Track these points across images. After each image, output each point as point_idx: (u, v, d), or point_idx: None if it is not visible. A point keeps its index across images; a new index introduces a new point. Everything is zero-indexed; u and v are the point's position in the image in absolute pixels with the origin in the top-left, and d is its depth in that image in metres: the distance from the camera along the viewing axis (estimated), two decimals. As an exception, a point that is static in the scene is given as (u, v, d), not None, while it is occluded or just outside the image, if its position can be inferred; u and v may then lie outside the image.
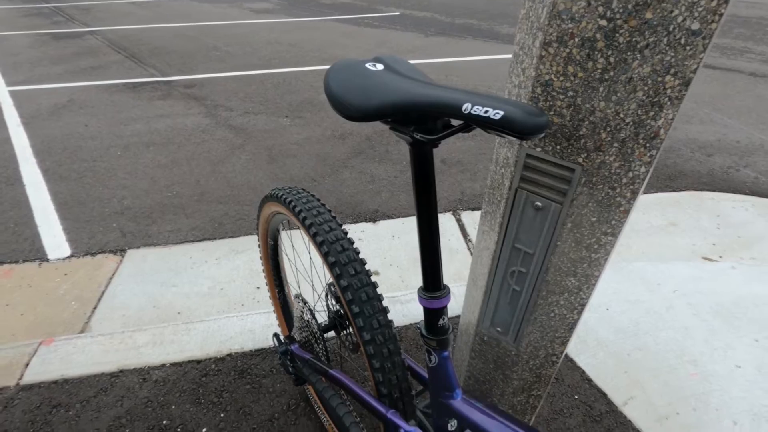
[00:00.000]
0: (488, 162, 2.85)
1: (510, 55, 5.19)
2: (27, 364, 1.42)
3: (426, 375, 0.90)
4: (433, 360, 0.67)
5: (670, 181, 2.60)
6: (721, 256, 1.93)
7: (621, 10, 0.53)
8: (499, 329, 0.93)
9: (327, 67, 4.75)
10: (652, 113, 0.58)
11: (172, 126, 3.34)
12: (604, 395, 1.35)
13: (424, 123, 0.51)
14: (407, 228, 2.20)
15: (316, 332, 1.00)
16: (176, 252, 2.03)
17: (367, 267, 0.80)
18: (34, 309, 1.70)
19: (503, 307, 0.89)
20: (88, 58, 5.11)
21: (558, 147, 0.66)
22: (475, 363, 1.06)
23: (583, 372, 1.42)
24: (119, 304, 1.73)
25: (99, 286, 1.82)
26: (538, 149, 0.68)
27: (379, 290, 0.79)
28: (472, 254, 2.01)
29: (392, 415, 0.78)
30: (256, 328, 1.58)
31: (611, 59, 0.56)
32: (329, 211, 0.87)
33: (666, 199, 2.39)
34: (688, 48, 0.53)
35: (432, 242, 0.60)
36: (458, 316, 1.62)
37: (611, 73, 0.57)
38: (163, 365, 1.44)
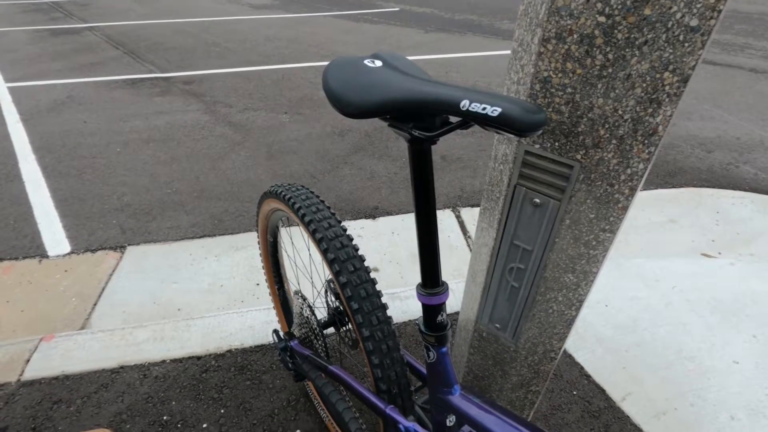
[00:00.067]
0: (488, 159, 2.85)
1: (509, 51, 5.17)
2: (28, 360, 1.43)
3: (424, 371, 0.90)
4: (432, 356, 0.68)
5: (669, 177, 2.60)
6: (720, 253, 1.93)
7: (619, 7, 0.53)
8: (497, 325, 0.94)
9: (326, 63, 4.74)
10: (650, 110, 0.58)
11: (171, 122, 3.33)
12: (603, 391, 1.35)
13: (423, 120, 0.51)
14: (407, 224, 2.20)
15: (316, 328, 1.01)
16: (176, 248, 2.03)
17: (366, 263, 0.80)
18: (34, 305, 1.70)
19: (502, 303, 0.89)
20: (86, 54, 5.09)
21: (556, 144, 0.66)
22: (474, 359, 1.06)
23: (582, 368, 1.42)
24: (119, 300, 1.73)
25: (99, 282, 1.82)
26: (537, 146, 0.68)
27: (378, 287, 0.79)
28: (471, 251, 2.02)
29: (391, 411, 0.79)
30: (256, 324, 1.58)
31: (610, 56, 0.56)
32: (328, 207, 0.88)
33: (665, 195, 2.39)
34: (686, 45, 0.53)
35: (430, 239, 0.60)
36: (457, 313, 1.62)
37: (610, 70, 0.57)
38: (164, 361, 1.45)
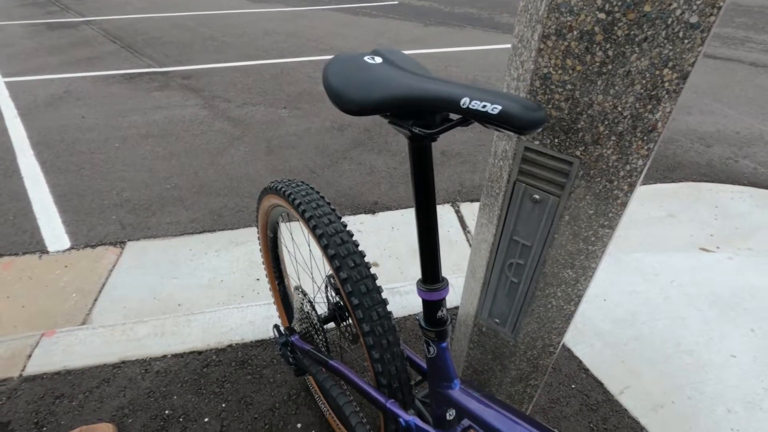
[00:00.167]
0: (487, 154, 2.85)
1: (509, 45, 5.15)
2: (29, 356, 1.44)
3: (425, 365, 0.91)
4: (432, 351, 0.68)
5: (668, 172, 2.60)
6: (718, 247, 1.94)
7: (620, 3, 0.53)
8: (497, 320, 0.94)
9: (325, 57, 4.72)
10: (649, 106, 0.58)
11: (169, 117, 3.32)
12: (601, 384, 1.36)
13: (423, 117, 0.51)
14: (406, 219, 2.20)
15: (316, 323, 1.01)
16: (176, 244, 2.03)
17: (366, 259, 0.80)
18: (35, 301, 1.71)
19: (501, 298, 0.90)
20: (83, 49, 5.06)
21: (556, 140, 0.66)
22: (474, 353, 1.07)
23: (580, 362, 1.43)
24: (120, 296, 1.74)
25: (99, 278, 1.83)
26: (537, 142, 0.69)
27: (378, 282, 0.80)
28: (470, 246, 2.02)
29: (391, 405, 0.80)
30: (257, 319, 1.59)
31: (609, 52, 0.56)
32: (328, 203, 0.88)
33: (664, 190, 2.40)
34: (686, 41, 0.53)
35: (430, 235, 0.60)
36: (457, 307, 1.63)
37: (609, 67, 0.57)
38: (165, 356, 1.45)
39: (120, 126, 3.17)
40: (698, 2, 0.50)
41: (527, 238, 0.78)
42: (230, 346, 1.49)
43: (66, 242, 2.03)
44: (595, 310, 1.61)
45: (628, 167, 0.64)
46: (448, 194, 2.40)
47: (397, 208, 2.29)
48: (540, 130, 0.65)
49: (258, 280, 1.83)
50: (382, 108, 0.51)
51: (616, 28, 0.54)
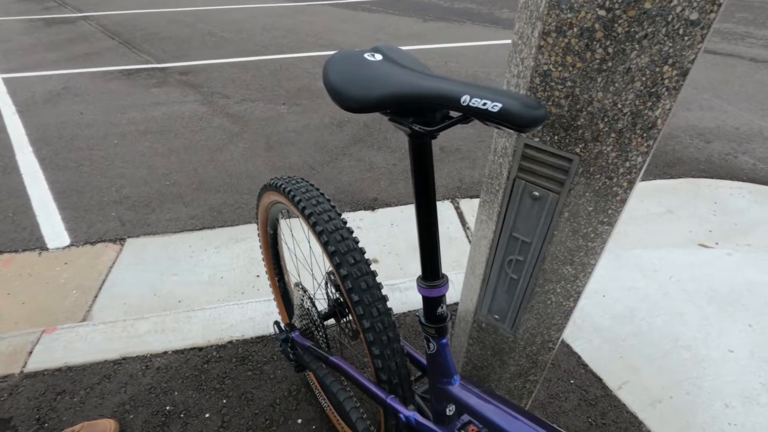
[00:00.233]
0: (487, 150, 2.84)
1: (510, 40, 5.14)
2: (30, 352, 1.44)
3: (424, 361, 0.92)
4: (432, 347, 0.69)
5: (668, 168, 2.61)
6: (717, 243, 1.95)
7: (620, 0, 0.52)
8: (496, 316, 0.95)
9: (324, 53, 4.70)
10: (649, 104, 0.58)
11: (168, 114, 3.31)
12: (600, 380, 1.37)
13: (423, 114, 0.51)
14: (406, 216, 2.20)
15: (316, 320, 1.02)
16: (176, 241, 2.04)
17: (366, 256, 0.80)
18: (35, 298, 1.71)
19: (501, 295, 0.90)
20: (81, 45, 5.04)
21: (556, 137, 0.66)
22: (473, 349, 1.07)
23: (579, 357, 1.44)
24: (120, 292, 1.74)
25: (99, 274, 1.83)
26: (536, 139, 0.69)
27: (378, 278, 0.80)
28: (470, 242, 2.03)
29: (392, 401, 0.80)
30: (257, 315, 1.59)
31: (609, 49, 0.56)
32: (328, 200, 0.88)
33: (664, 186, 2.40)
34: (686, 38, 0.53)
35: (431, 232, 0.60)
36: (456, 304, 1.63)
37: (609, 64, 0.57)
38: (165, 352, 1.46)
39: (119, 122, 3.17)
40: (698, -1, 0.50)
41: (527, 234, 0.79)
42: (230, 342, 1.50)
43: (66, 239, 2.03)
44: (594, 306, 1.61)
45: (627, 164, 0.65)
46: (447, 190, 2.40)
47: (396, 205, 2.29)
48: (540, 127, 0.65)
49: (258, 276, 1.83)
50: (383, 105, 0.51)
51: (616, 25, 0.54)
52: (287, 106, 3.44)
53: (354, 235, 0.82)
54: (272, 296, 1.68)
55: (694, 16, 0.51)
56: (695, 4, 0.50)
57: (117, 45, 5.04)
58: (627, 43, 0.55)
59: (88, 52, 4.75)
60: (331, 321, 1.03)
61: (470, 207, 2.27)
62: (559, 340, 0.96)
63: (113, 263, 1.89)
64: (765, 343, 1.46)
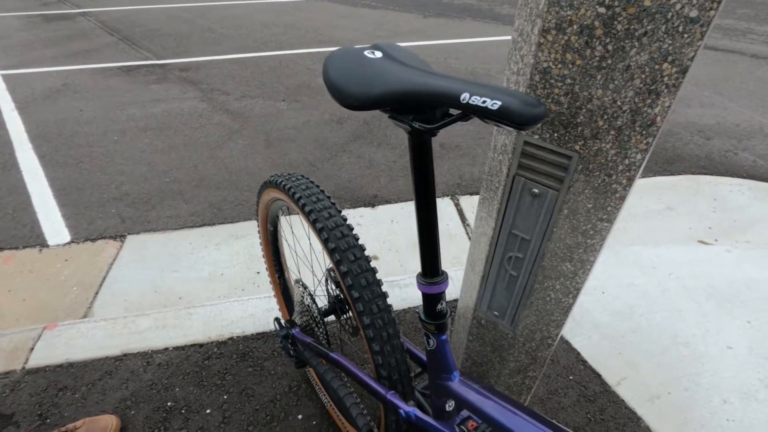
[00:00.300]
0: (487, 146, 2.84)
1: (510, 36, 5.12)
2: (32, 349, 1.45)
3: (424, 357, 0.92)
4: (432, 343, 0.69)
5: (668, 164, 2.61)
6: (716, 240, 1.95)
7: (620, -3, 0.52)
8: (496, 313, 0.95)
9: (324, 49, 4.69)
10: (649, 101, 0.58)
11: (168, 110, 3.31)
12: (598, 376, 1.38)
13: (423, 112, 0.51)
14: (406, 213, 2.21)
15: (317, 316, 1.02)
16: (176, 237, 2.04)
17: (366, 252, 0.81)
18: (36, 294, 1.72)
19: (500, 291, 0.91)
20: (80, 41, 5.02)
21: (555, 134, 0.66)
22: (473, 346, 1.08)
23: (578, 353, 1.45)
24: (120, 289, 1.75)
25: (100, 271, 1.83)
26: (536, 137, 0.69)
27: (378, 275, 0.80)
28: (470, 239, 2.03)
29: (392, 396, 0.81)
30: (257, 312, 1.60)
31: (609, 47, 0.56)
32: (329, 197, 0.88)
33: (663, 182, 2.40)
34: (686, 36, 0.53)
35: (430, 229, 0.61)
36: (456, 300, 1.64)
37: (609, 61, 0.57)
38: (166, 349, 1.47)
39: (118, 119, 3.16)
40: (698, -4, 0.50)
41: (526, 231, 0.79)
42: (231, 338, 1.50)
43: (66, 236, 2.04)
44: (594, 302, 1.62)
45: (626, 161, 0.65)
46: (447, 187, 2.40)
47: (396, 202, 2.29)
48: (539, 125, 0.65)
49: (258, 273, 1.84)
50: (382, 103, 0.51)
51: (615, 22, 0.54)
52: (287, 103, 3.44)
53: (354, 232, 0.83)
54: (272, 293, 1.68)
55: (693, 14, 0.51)
56: (695, 2, 0.50)
57: (116, 41, 5.02)
58: (626, 41, 0.55)
59: (87, 49, 4.73)
60: (332, 317, 1.04)
61: (470, 204, 2.27)
62: (558, 337, 0.97)
63: (113, 260, 1.89)
64: (763, 339, 1.47)
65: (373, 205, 2.26)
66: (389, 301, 1.57)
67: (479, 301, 0.97)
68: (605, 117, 0.61)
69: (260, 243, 1.26)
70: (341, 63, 0.55)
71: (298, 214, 0.91)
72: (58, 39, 5.09)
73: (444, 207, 2.24)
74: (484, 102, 0.44)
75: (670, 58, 0.55)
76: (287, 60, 4.38)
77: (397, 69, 0.53)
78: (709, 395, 1.31)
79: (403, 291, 1.69)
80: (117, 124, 3.08)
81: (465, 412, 0.80)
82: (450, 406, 0.76)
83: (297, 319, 1.14)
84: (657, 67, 0.56)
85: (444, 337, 0.68)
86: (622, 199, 0.69)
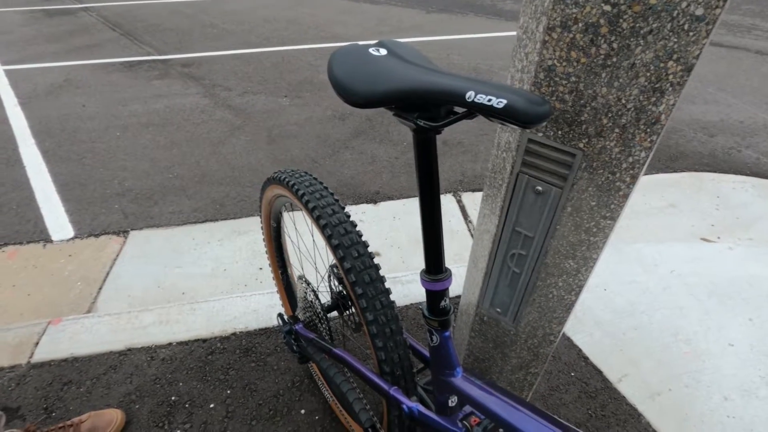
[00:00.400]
0: (489, 143, 2.84)
1: (513, 33, 5.09)
2: (37, 343, 1.46)
3: (427, 353, 0.93)
4: (435, 340, 0.70)
5: (670, 161, 2.60)
6: (719, 237, 1.95)
7: (625, -5, 0.52)
8: (498, 310, 0.96)
9: (326, 45, 4.68)
10: (653, 99, 0.58)
11: (170, 106, 3.31)
12: (600, 372, 1.38)
13: (428, 110, 0.51)
14: (408, 209, 2.21)
15: (320, 312, 1.03)
16: (179, 233, 2.05)
17: (369, 249, 0.81)
18: (40, 289, 1.73)
19: (503, 288, 0.91)
20: (82, 36, 5.02)
21: (559, 132, 0.67)
22: (475, 342, 1.09)
23: (580, 350, 1.45)
24: (124, 284, 1.76)
25: (103, 266, 1.84)
26: (540, 134, 0.69)
27: (380, 272, 0.81)
28: (472, 235, 2.03)
29: (395, 392, 0.81)
30: (260, 308, 1.61)
31: (614, 45, 0.56)
32: (332, 194, 0.88)
33: (666, 180, 2.40)
34: (691, 34, 0.53)
35: (434, 227, 0.61)
36: (458, 296, 1.64)
37: (614, 59, 0.57)
38: (170, 344, 1.48)
39: (120, 115, 3.17)
40: (704, -6, 0.50)
41: (529, 229, 0.79)
42: (234, 334, 1.51)
43: (69, 231, 2.04)
44: (595, 299, 1.62)
45: (630, 159, 0.65)
46: (449, 184, 2.40)
47: (398, 198, 2.29)
48: (544, 123, 0.65)
49: (261, 269, 1.84)
50: (387, 101, 0.51)
51: (621, 20, 0.54)
52: (289, 99, 3.43)
53: (357, 228, 0.83)
54: (275, 289, 1.69)
55: (699, 12, 0.51)
56: (701, 0, 0.50)
57: (118, 36, 5.02)
58: (632, 39, 0.55)
59: (90, 44, 4.73)
60: (334, 313, 1.04)
61: (472, 200, 2.27)
62: (560, 333, 0.97)
63: (117, 255, 1.90)
64: (765, 336, 1.47)
65: (375, 202, 2.27)
66: (392, 297, 1.58)
67: (482, 298, 0.97)
68: (610, 115, 0.62)
69: (263, 239, 1.27)
70: (346, 60, 0.55)
71: (301, 210, 0.91)
72: (60, 34, 5.09)
73: (446, 204, 2.25)
74: (489, 100, 0.44)
75: (675, 56, 0.55)
76: (289, 56, 4.37)
77: (402, 67, 0.53)
78: (710, 392, 1.31)
79: (405, 287, 1.69)
80: (119, 120, 3.09)
81: (468, 408, 0.80)
82: (453, 401, 0.76)
83: (300, 315, 1.14)
84: (662, 65, 0.56)
85: (447, 333, 0.69)
86: (626, 196, 0.69)
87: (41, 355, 1.43)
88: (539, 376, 1.10)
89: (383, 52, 0.56)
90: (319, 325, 1.05)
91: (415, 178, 0.53)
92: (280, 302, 1.61)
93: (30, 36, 5.03)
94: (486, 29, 5.26)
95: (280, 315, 1.17)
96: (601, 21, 0.55)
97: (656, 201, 2.22)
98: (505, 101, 0.43)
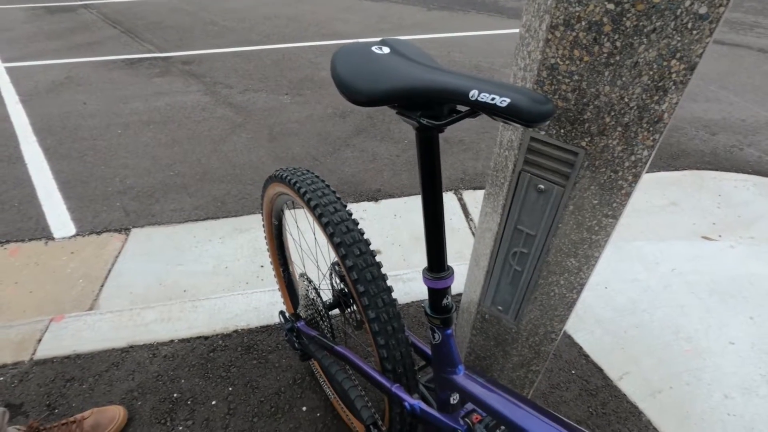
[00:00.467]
0: (490, 141, 2.84)
1: (514, 30, 5.08)
2: (39, 340, 1.46)
3: (428, 351, 0.93)
4: (437, 337, 0.70)
5: (672, 160, 2.60)
6: (720, 236, 1.95)
7: (629, -7, 0.52)
8: (500, 308, 0.96)
9: (327, 42, 4.67)
10: (656, 97, 0.58)
11: (171, 104, 3.31)
12: (600, 370, 1.39)
13: (431, 108, 0.51)
14: (409, 207, 2.21)
15: (321, 310, 1.03)
16: (180, 231, 2.05)
17: (371, 247, 0.81)
18: (42, 287, 1.73)
19: (504, 286, 0.91)
20: (83, 34, 5.01)
21: (562, 131, 0.67)
22: (477, 340, 1.09)
23: (581, 348, 1.46)
24: (126, 282, 1.76)
25: (105, 264, 1.85)
26: (543, 133, 0.69)
27: (382, 269, 0.81)
28: (473, 233, 2.03)
29: (396, 389, 0.82)
30: (261, 305, 1.61)
31: (617, 43, 0.56)
32: (334, 192, 0.89)
33: (667, 178, 2.39)
34: (694, 32, 0.53)
35: (437, 225, 0.61)
36: (459, 294, 1.65)
37: (617, 58, 0.57)
38: (172, 341, 1.48)
39: (122, 112, 3.17)
40: (708, -7, 0.50)
41: (531, 227, 0.79)
42: (236, 331, 1.52)
43: (71, 229, 2.05)
44: (596, 297, 1.62)
45: (633, 158, 0.65)
46: (451, 182, 2.40)
47: (399, 196, 2.29)
48: (547, 122, 0.65)
49: (262, 266, 1.85)
50: (390, 99, 0.51)
51: (624, 18, 0.54)
52: (290, 97, 3.43)
53: (359, 226, 0.83)
54: (277, 286, 1.69)
55: (703, 10, 0.51)
56: (704, -2, 0.50)
57: (119, 34, 5.01)
58: (635, 37, 0.55)
59: (90, 41, 4.73)
60: (336, 311, 1.04)
61: (473, 198, 2.27)
62: (562, 331, 0.97)
63: (119, 253, 1.91)
64: (766, 335, 1.47)
65: (376, 200, 2.27)
66: (393, 295, 1.58)
67: (483, 296, 0.97)
68: (612, 113, 0.62)
69: (265, 237, 1.27)
70: (349, 59, 0.55)
71: (303, 208, 0.91)
72: (60, 31, 5.08)
73: (447, 201, 2.25)
74: (492, 99, 0.44)
75: (678, 55, 0.55)
76: (290, 53, 4.36)
77: (405, 65, 0.53)
78: (710, 390, 1.32)
79: (406, 285, 1.70)
80: (120, 118, 3.09)
81: (469, 405, 0.81)
82: (454, 399, 0.77)
83: (302, 313, 1.15)
84: (665, 63, 0.55)
85: (449, 331, 0.69)
86: (628, 195, 0.69)
87: (44, 352, 1.43)
88: (540, 373, 1.11)
89: (386, 50, 0.56)
90: (321, 322, 1.06)
91: (418, 177, 0.53)
92: (282, 300, 1.62)
93: (31, 33, 5.02)
94: (487, 27, 5.24)
95: (281, 312, 1.18)
96: (605, 19, 0.55)
97: (657, 199, 2.21)
98: (508, 100, 0.43)
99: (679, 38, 0.53)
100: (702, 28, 0.52)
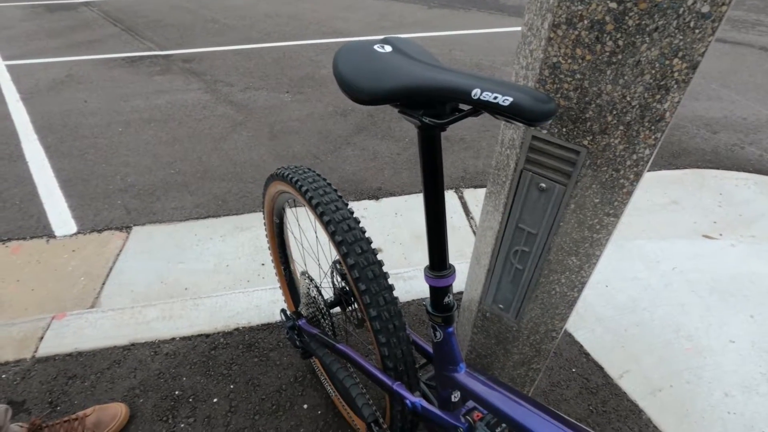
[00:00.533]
0: (491, 139, 2.83)
1: (515, 28, 5.07)
2: (41, 338, 1.47)
3: (429, 349, 0.93)
4: (439, 336, 0.70)
5: (673, 158, 2.59)
6: (721, 234, 1.95)
7: (631, -8, 0.52)
8: (501, 306, 0.96)
9: (328, 40, 4.66)
10: (658, 96, 0.58)
11: (172, 102, 3.31)
12: (601, 368, 1.39)
13: (433, 107, 0.51)
14: (410, 205, 2.21)
15: (323, 308, 1.03)
16: (181, 229, 2.05)
17: (372, 245, 0.81)
18: (44, 285, 1.74)
19: (505, 285, 0.92)
20: (84, 31, 5.01)
21: (564, 129, 0.67)
22: (477, 338, 1.09)
23: (581, 346, 1.46)
24: (127, 280, 1.77)
25: (106, 262, 1.85)
26: (544, 131, 0.69)
27: (383, 268, 0.81)
28: (474, 231, 2.04)
29: (398, 387, 0.82)
30: (262, 303, 1.61)
31: (620, 42, 0.56)
32: (335, 190, 0.89)
33: (668, 176, 2.39)
34: (697, 31, 0.53)
35: (439, 223, 0.61)
36: (461, 293, 1.65)
37: (619, 56, 0.57)
38: (173, 339, 1.48)
39: (122, 110, 3.16)
40: (710, -8, 0.50)
41: (533, 225, 0.79)
42: (237, 329, 1.52)
43: (72, 227, 2.05)
44: (597, 296, 1.62)
45: (634, 156, 0.65)
46: (452, 180, 2.40)
47: (400, 194, 2.29)
48: (550, 121, 0.65)
49: (263, 265, 1.85)
50: (393, 98, 0.51)
51: (627, 17, 0.54)
52: (291, 95, 3.43)
53: (360, 225, 0.83)
54: (278, 284, 1.70)
55: (705, 9, 0.51)
56: (707, -3, 0.50)
57: (119, 32, 5.00)
58: (637, 36, 0.55)
59: (91, 39, 4.72)
60: (337, 309, 1.05)
61: (474, 197, 2.27)
62: (562, 330, 0.97)
63: (120, 251, 1.91)
64: (766, 333, 1.47)
65: (377, 198, 2.27)
66: (394, 293, 1.58)
67: (484, 294, 0.98)
68: (614, 112, 0.62)
69: (266, 235, 1.27)
70: (351, 57, 0.55)
71: (304, 206, 0.91)
72: (61, 29, 5.08)
73: (448, 200, 2.25)
74: (495, 98, 0.44)
75: (680, 54, 0.55)
76: (291, 51, 4.36)
77: (408, 64, 0.53)
78: (710, 389, 1.32)
79: (407, 283, 1.70)
80: (121, 116, 3.09)
81: (470, 403, 0.81)
82: (456, 396, 0.77)
83: (303, 311, 1.15)
84: (667, 62, 0.55)
85: (451, 329, 0.69)
86: (629, 194, 0.69)
87: (46, 349, 1.44)
88: (541, 371, 1.11)
89: (388, 49, 0.56)
90: (322, 320, 1.06)
91: (419, 175, 0.53)
92: (283, 298, 1.62)
93: (31, 31, 5.02)
94: (488, 25, 5.23)
95: (283, 311, 1.18)
96: (607, 18, 0.55)
97: (658, 198, 2.21)
98: (511, 99, 0.43)
99: (681, 37, 0.53)
100: (704, 26, 0.52)
